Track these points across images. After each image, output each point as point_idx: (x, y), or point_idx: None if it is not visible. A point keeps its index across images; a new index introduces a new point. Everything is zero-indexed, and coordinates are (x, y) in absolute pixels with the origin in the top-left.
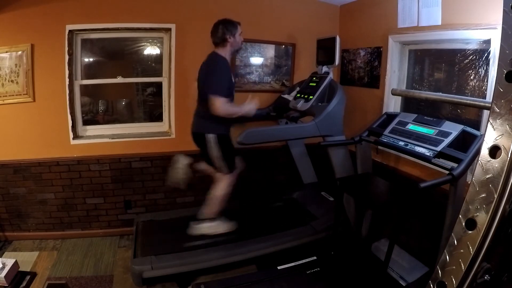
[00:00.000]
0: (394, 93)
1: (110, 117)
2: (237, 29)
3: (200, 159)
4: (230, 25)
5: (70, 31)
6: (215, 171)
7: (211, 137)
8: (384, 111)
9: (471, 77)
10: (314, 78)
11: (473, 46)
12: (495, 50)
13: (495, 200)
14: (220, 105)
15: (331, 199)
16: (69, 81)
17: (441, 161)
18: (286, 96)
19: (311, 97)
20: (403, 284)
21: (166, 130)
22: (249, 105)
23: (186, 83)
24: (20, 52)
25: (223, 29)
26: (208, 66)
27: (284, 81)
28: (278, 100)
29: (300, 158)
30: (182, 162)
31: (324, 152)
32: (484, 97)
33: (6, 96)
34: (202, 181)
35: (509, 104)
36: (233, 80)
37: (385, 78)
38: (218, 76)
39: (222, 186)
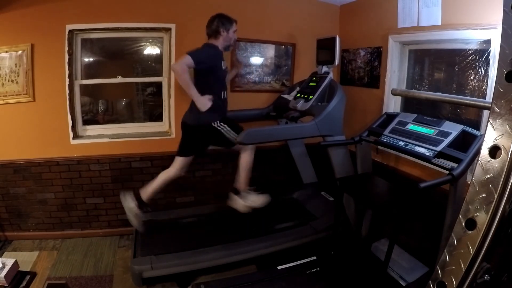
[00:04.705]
0: (394, 93)
1: (110, 117)
2: (232, 25)
3: (180, 149)
4: (226, 20)
5: (70, 31)
6: (230, 148)
7: (204, 127)
8: (384, 111)
9: (471, 77)
10: (314, 78)
11: (473, 46)
12: (495, 50)
13: (495, 200)
14: (183, 61)
15: (331, 199)
16: (69, 81)
17: (441, 161)
18: (286, 96)
19: (311, 97)
20: (403, 284)
21: (166, 130)
22: (204, 99)
23: None
24: (20, 52)
25: (218, 22)
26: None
27: (284, 81)
28: (278, 100)
29: (300, 158)
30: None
31: (324, 152)
32: (484, 97)
33: (6, 96)
34: (202, 181)
35: (509, 104)
36: (224, 67)
37: (385, 78)
38: (201, 49)
39: (247, 156)
